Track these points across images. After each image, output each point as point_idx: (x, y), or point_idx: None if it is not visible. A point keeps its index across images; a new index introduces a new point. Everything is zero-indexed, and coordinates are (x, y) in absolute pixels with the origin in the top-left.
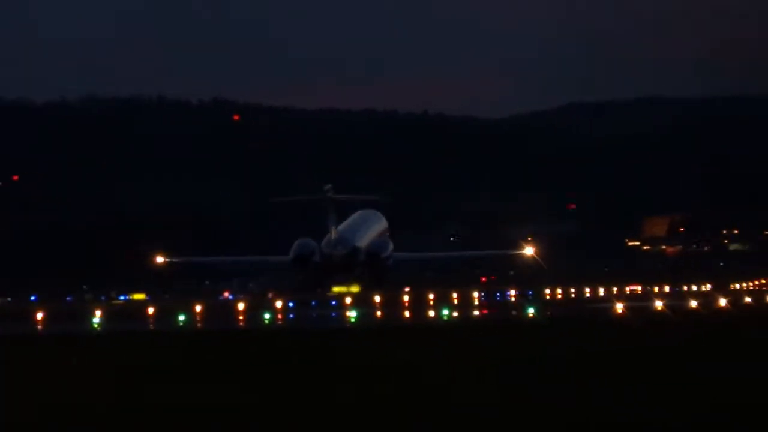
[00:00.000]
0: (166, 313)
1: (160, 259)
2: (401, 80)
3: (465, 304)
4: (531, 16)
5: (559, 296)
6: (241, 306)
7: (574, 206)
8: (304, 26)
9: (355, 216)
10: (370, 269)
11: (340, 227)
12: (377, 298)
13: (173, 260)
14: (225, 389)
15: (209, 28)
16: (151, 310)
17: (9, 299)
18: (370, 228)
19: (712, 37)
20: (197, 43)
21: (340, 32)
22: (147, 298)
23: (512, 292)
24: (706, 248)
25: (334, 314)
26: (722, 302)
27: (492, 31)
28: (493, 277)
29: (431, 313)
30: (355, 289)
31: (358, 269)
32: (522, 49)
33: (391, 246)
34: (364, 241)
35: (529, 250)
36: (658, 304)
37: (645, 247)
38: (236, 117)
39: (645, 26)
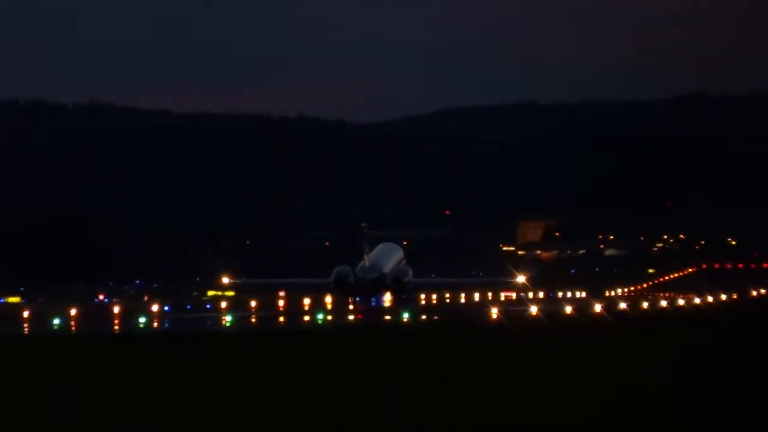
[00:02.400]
0: (40, 317)
1: (225, 280)
2: (275, 83)
3: (340, 309)
4: (406, 25)
5: (434, 301)
6: (116, 309)
7: (449, 212)
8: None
9: (381, 247)
10: (394, 290)
11: (370, 256)
12: (253, 303)
13: (238, 281)
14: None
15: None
16: (26, 314)
17: None
18: (393, 257)
19: (581, 43)
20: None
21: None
22: (22, 301)
23: (387, 297)
24: (581, 252)
25: (209, 318)
26: (597, 308)
27: (365, 33)
28: None
29: (306, 318)
30: (230, 293)
31: (384, 290)
32: (395, 54)
33: (410, 272)
34: (389, 267)
35: (521, 278)
36: (533, 310)
37: (520, 252)
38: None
39: (516, 32)
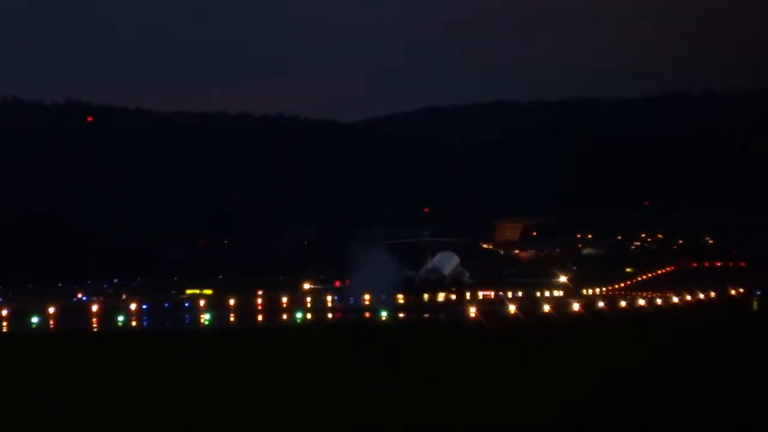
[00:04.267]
0: (19, 315)
1: (307, 286)
2: (258, 82)
3: (319, 307)
4: (386, 22)
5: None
6: (95, 308)
7: (427, 210)
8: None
9: (441, 254)
10: (454, 289)
11: (432, 261)
12: (231, 301)
13: (317, 287)
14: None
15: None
16: (4, 312)
17: None
18: (451, 262)
19: (561, 42)
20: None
21: (194, 32)
22: (0, 299)
23: (366, 296)
24: (557, 250)
25: (188, 317)
26: (575, 307)
27: (345, 33)
28: (347, 282)
29: (285, 316)
30: (208, 291)
31: (445, 289)
32: (377, 53)
33: (467, 273)
34: (448, 270)
35: (563, 278)
36: (512, 308)
37: (499, 251)
38: (90, 119)
39: (502, 32)
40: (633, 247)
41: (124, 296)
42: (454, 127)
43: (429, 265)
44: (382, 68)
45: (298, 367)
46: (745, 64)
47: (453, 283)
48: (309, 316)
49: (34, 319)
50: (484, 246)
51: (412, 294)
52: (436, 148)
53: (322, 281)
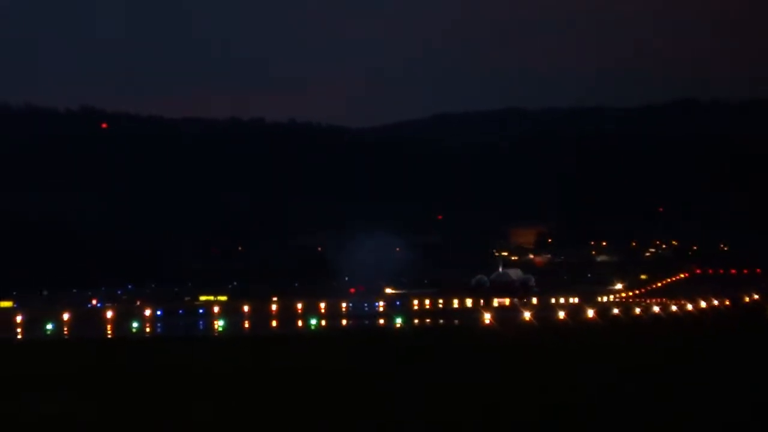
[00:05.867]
0: (33, 322)
1: (388, 290)
2: (268, 88)
3: (333, 314)
4: (398, 28)
5: (427, 306)
6: (109, 314)
7: (441, 217)
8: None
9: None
10: (522, 293)
11: (502, 270)
12: (246, 308)
13: (397, 291)
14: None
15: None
16: (18, 318)
17: None
18: (517, 271)
19: (569, 49)
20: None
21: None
22: (14, 305)
23: (381, 303)
24: (569, 258)
25: (201, 323)
26: (590, 313)
27: (358, 39)
28: (361, 288)
29: (300, 323)
30: (222, 297)
31: (512, 292)
32: (388, 59)
33: (533, 279)
34: (515, 276)
35: (619, 285)
36: (526, 315)
37: (513, 258)
38: (104, 125)
39: (510, 37)
40: (647, 254)
41: (138, 302)
42: (462, 134)
43: (500, 270)
44: (383, 72)
45: (302, 368)
46: (755, 70)
47: (521, 288)
48: (323, 322)
49: (49, 326)
50: (497, 253)
51: (481, 297)
52: (445, 154)
53: (403, 285)
